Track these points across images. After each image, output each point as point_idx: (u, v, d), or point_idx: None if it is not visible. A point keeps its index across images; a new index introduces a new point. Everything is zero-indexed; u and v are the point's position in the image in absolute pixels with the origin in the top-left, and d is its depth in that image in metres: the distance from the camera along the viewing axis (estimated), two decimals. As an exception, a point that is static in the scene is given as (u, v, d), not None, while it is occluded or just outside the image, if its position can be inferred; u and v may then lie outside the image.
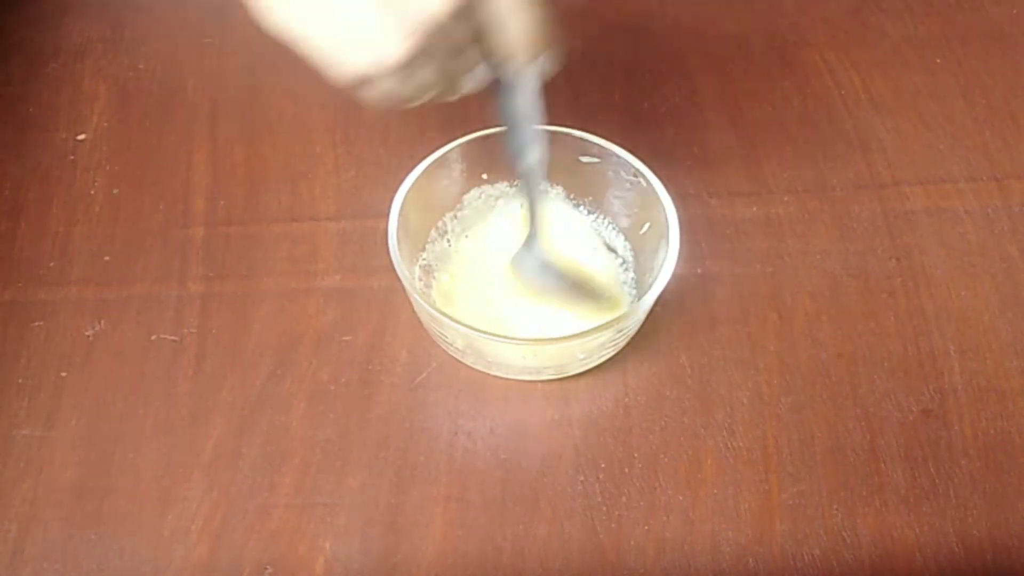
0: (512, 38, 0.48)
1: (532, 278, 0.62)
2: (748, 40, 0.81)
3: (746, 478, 0.59)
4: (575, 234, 0.67)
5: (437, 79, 0.49)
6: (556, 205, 0.68)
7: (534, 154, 0.57)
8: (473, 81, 0.52)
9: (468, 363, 0.62)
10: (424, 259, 0.65)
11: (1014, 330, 0.65)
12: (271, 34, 0.48)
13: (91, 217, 0.70)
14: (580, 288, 0.63)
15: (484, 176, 0.66)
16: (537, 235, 0.60)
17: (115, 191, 0.71)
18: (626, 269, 0.65)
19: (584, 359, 0.61)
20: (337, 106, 0.75)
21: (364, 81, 0.49)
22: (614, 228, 0.67)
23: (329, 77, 0.49)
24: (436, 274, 0.65)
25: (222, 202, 0.71)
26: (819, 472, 0.59)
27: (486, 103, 0.55)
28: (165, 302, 0.66)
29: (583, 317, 0.62)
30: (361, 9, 0.45)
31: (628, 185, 0.63)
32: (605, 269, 0.66)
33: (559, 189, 0.67)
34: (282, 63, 0.77)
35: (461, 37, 0.48)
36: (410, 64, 0.47)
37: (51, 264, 0.68)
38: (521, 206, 0.61)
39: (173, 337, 0.64)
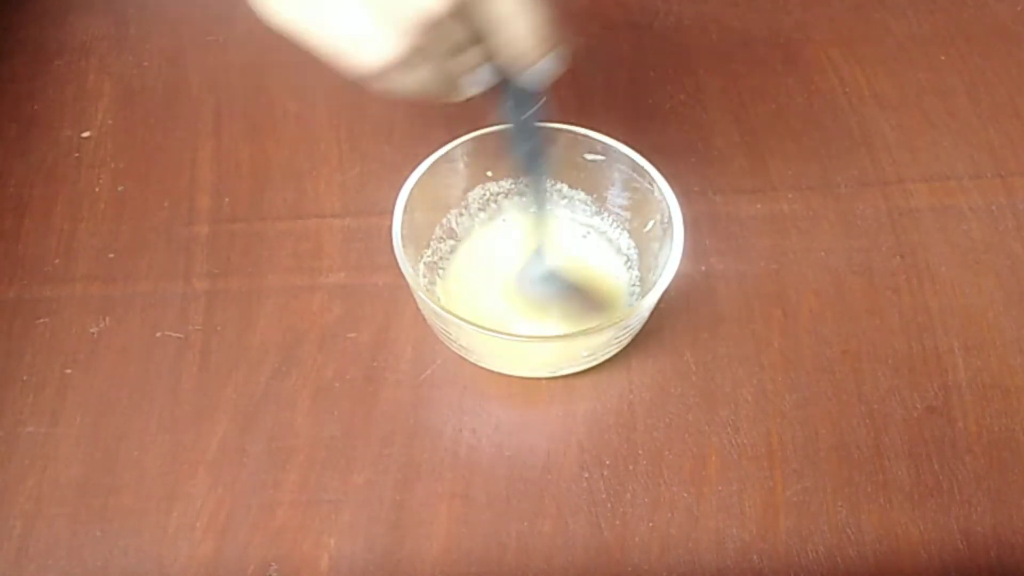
0: (514, 40, 0.48)
1: (539, 290, 0.62)
2: (752, 37, 0.81)
3: (750, 475, 0.59)
4: (578, 232, 0.67)
5: (437, 78, 0.49)
6: (559, 202, 0.68)
7: (543, 156, 0.57)
8: (477, 83, 0.52)
9: (472, 360, 0.62)
10: (428, 256, 0.65)
11: (1018, 327, 0.65)
12: (276, 31, 0.48)
13: (96, 214, 0.70)
14: (586, 296, 0.63)
15: (489, 173, 0.66)
16: (545, 245, 0.61)
17: (120, 188, 0.71)
18: (630, 267, 0.65)
19: (588, 356, 0.61)
20: (342, 103, 0.75)
21: (367, 77, 0.49)
22: (618, 225, 0.67)
23: (337, 71, 0.49)
24: (440, 271, 0.65)
25: (227, 199, 0.71)
26: (823, 469, 0.60)
27: (491, 102, 0.55)
28: (170, 299, 0.66)
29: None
30: (355, 9, 0.45)
31: (632, 182, 0.63)
32: (608, 267, 0.66)
33: (563, 186, 0.67)
34: (287, 60, 0.78)
35: (460, 36, 0.48)
36: (408, 62, 0.47)
37: (56, 261, 0.68)
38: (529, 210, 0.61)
39: (178, 334, 0.64)
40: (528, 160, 0.57)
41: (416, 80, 0.49)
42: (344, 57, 0.48)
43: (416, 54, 0.47)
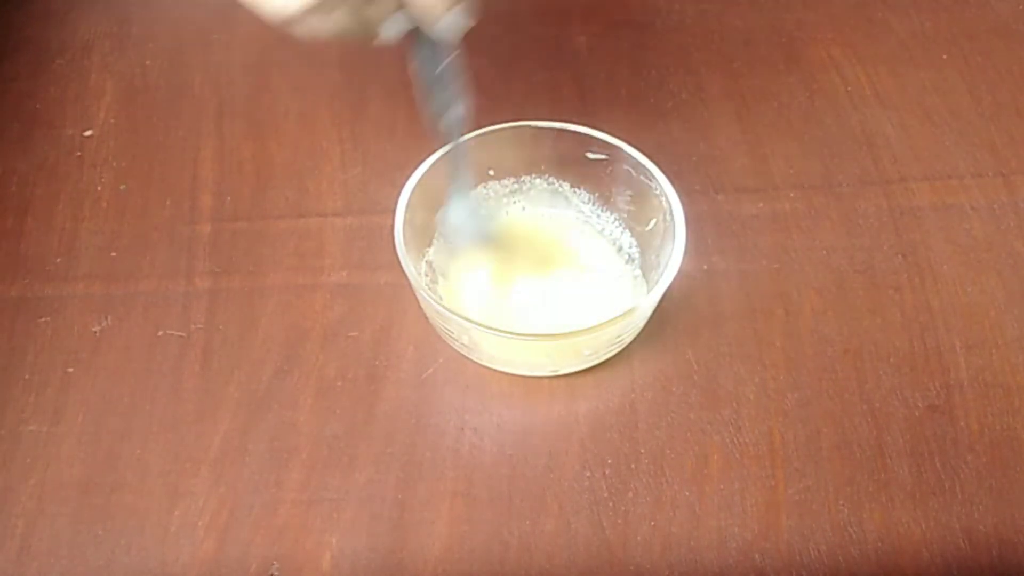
0: None
1: (462, 229, 0.63)
2: (754, 36, 0.81)
3: (752, 474, 0.59)
4: (580, 230, 0.67)
5: (353, 21, 0.51)
6: (561, 201, 0.68)
7: (457, 110, 0.57)
8: (392, 29, 0.52)
9: (474, 359, 0.62)
10: (430, 255, 0.65)
11: (1020, 326, 0.65)
12: None
13: (98, 213, 0.70)
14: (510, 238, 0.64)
15: (490, 172, 0.66)
16: (464, 191, 0.61)
17: (122, 187, 0.71)
18: (632, 266, 0.65)
19: (590, 355, 0.61)
20: (344, 102, 0.75)
21: (286, 21, 0.50)
22: (620, 224, 0.67)
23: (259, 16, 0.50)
24: (442, 270, 0.65)
25: (229, 198, 0.71)
26: (825, 468, 0.59)
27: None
28: (172, 298, 0.66)
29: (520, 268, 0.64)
30: None
31: (634, 181, 0.63)
32: (610, 266, 0.66)
33: (565, 184, 0.67)
34: (289, 59, 0.78)
35: None
36: (324, 5, 0.48)
37: (58, 260, 0.68)
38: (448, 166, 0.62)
39: (180, 333, 0.65)
40: (438, 113, 0.57)
41: (333, 23, 0.50)
42: (264, 1, 0.49)
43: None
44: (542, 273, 0.65)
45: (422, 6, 0.50)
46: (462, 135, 0.59)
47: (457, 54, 0.54)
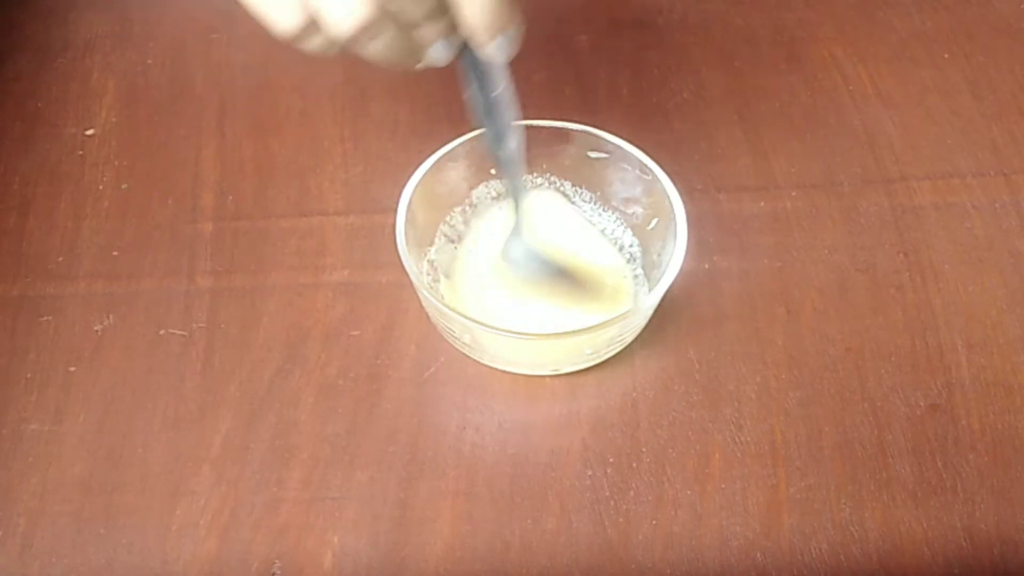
0: (469, 14, 0.48)
1: (522, 268, 0.62)
2: (756, 35, 0.81)
3: (754, 473, 0.59)
4: (582, 230, 0.67)
5: (400, 47, 0.50)
6: (563, 200, 0.68)
7: (512, 142, 0.56)
8: (440, 53, 0.51)
9: (476, 358, 0.62)
10: (432, 254, 0.65)
11: (1021, 324, 0.65)
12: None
13: (99, 212, 0.70)
14: (574, 277, 0.63)
15: (492, 171, 0.66)
16: (523, 225, 0.61)
17: (123, 186, 0.71)
18: (633, 265, 0.65)
19: (592, 354, 0.61)
20: (346, 101, 0.75)
21: (336, 42, 0.49)
22: (622, 223, 0.67)
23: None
24: (444, 269, 0.65)
25: (230, 197, 0.71)
26: (827, 467, 0.60)
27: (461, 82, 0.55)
28: (173, 297, 0.66)
29: (581, 308, 0.62)
30: None
31: (636, 180, 0.63)
32: (612, 265, 0.66)
33: (566, 184, 0.67)
34: (291, 58, 0.78)
35: (418, 10, 0.48)
36: (371, 29, 0.47)
37: (59, 259, 0.68)
38: (506, 196, 0.60)
39: (181, 332, 0.65)
40: (496, 142, 0.56)
41: (381, 47, 0.49)
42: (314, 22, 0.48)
43: (383, 19, 0.47)
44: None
45: (473, 29, 0.49)
46: (521, 164, 0.58)
47: (508, 82, 0.53)
